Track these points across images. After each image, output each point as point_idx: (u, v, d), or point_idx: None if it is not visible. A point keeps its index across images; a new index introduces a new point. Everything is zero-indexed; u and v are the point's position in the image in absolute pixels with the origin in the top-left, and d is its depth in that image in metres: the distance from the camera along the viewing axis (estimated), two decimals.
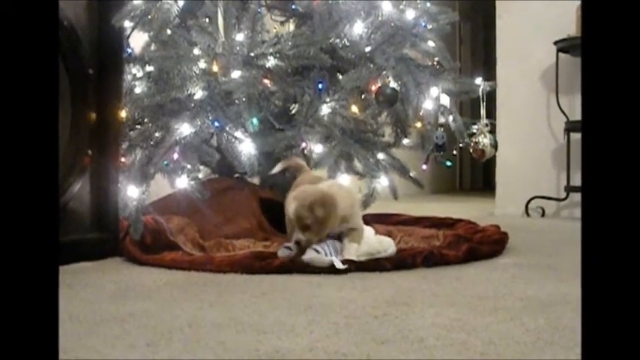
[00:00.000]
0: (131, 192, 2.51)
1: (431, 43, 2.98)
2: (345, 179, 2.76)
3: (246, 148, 2.54)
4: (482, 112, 3.06)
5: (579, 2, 3.96)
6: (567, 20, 4.31)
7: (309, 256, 2.12)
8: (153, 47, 2.76)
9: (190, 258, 2.29)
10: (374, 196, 2.95)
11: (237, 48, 2.56)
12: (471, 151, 3.05)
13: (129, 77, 2.72)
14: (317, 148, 2.69)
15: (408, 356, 1.24)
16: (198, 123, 2.52)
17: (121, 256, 2.44)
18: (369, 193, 2.96)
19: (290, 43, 2.56)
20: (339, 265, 2.09)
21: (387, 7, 2.77)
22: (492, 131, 3.05)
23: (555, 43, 4.33)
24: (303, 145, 2.68)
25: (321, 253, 2.12)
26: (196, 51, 2.61)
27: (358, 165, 2.92)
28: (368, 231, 2.32)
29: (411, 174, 3.14)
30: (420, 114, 2.95)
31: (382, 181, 2.95)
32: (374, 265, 2.17)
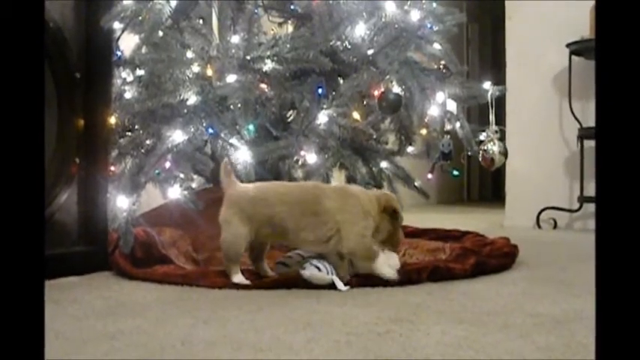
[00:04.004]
0: (121, 202, 2.51)
1: (437, 46, 2.99)
2: None
3: (242, 156, 2.54)
4: (491, 118, 3.06)
5: (593, 2, 3.97)
6: (580, 21, 4.32)
7: (310, 272, 2.12)
8: (144, 50, 2.77)
9: (183, 272, 2.29)
10: None
11: (233, 51, 2.57)
12: (480, 159, 3.05)
13: (118, 82, 2.73)
14: (311, 159, 2.68)
15: None
16: (192, 130, 2.53)
17: (110, 270, 2.44)
18: None
19: (288, 46, 2.56)
20: (341, 287, 2.09)
21: (390, 8, 2.78)
22: (502, 138, 3.05)
23: (568, 45, 4.35)
24: (301, 153, 2.68)
25: (322, 271, 2.12)
26: (189, 54, 2.62)
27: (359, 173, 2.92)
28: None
29: (416, 183, 3.15)
30: (426, 120, 2.95)
31: None
32: (377, 279, 2.17)
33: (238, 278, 2.17)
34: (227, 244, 2.20)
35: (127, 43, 2.82)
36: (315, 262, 2.14)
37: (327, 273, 2.12)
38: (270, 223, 2.17)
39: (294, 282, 2.13)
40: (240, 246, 2.20)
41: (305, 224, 2.15)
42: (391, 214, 2.20)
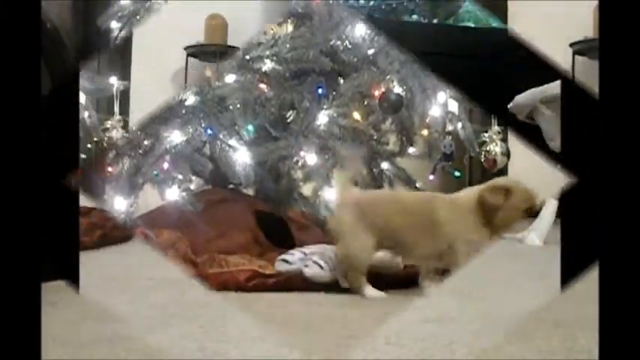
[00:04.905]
0: (118, 204, 2.51)
1: None
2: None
3: (241, 157, 2.54)
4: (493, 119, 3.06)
5: (597, 2, 3.97)
6: (584, 21, 4.32)
7: (313, 271, 2.11)
8: None
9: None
10: None
11: None
12: (482, 160, 3.06)
13: None
14: (311, 160, 2.66)
15: None
16: (190, 130, 2.53)
17: None
18: None
19: (288, 46, 2.57)
20: (344, 283, 2.08)
21: None
22: (504, 139, 3.05)
23: (571, 45, 4.34)
24: (301, 154, 2.67)
25: (324, 269, 2.11)
26: None
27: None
28: None
29: (418, 185, 3.14)
30: (427, 121, 2.95)
31: None
32: (377, 283, 2.16)
33: (370, 291, 1.99)
34: (348, 257, 2.01)
35: None
36: (316, 259, 2.12)
37: (330, 270, 2.10)
38: (385, 234, 2.00)
39: (295, 284, 2.12)
40: (365, 258, 2.01)
41: (419, 236, 2.00)
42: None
